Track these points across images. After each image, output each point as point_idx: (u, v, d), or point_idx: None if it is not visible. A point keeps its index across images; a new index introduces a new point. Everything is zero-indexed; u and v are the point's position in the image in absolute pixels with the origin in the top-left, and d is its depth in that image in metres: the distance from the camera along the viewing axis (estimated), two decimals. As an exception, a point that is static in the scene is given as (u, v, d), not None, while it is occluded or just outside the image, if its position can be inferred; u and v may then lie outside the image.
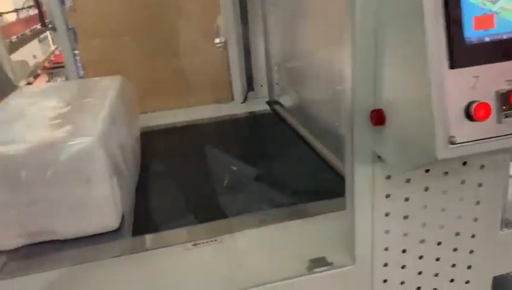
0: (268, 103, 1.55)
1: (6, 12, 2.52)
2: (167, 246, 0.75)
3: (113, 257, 0.73)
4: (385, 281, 0.68)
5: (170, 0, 1.47)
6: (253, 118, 1.49)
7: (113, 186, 0.79)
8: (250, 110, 1.53)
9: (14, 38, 2.39)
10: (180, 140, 1.35)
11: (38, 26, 3.18)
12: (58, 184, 0.75)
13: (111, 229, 0.80)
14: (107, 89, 1.10)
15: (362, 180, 0.61)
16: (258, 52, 1.55)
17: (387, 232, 0.65)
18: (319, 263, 0.66)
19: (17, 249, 0.77)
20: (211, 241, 0.75)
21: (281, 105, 1.50)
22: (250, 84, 1.60)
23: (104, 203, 0.78)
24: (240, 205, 0.88)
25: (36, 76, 2.76)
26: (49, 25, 1.86)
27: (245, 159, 1.12)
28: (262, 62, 1.55)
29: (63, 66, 3.12)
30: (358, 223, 0.64)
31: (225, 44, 1.54)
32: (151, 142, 1.32)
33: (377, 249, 0.66)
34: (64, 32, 1.40)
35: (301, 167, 1.04)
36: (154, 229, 0.81)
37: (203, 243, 0.75)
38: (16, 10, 2.70)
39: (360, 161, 0.60)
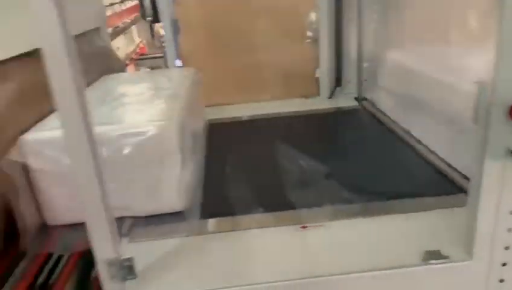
0: (357, 98, 1.55)
1: (113, 4, 2.72)
2: (277, 226, 0.79)
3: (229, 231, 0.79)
4: (501, 280, 0.67)
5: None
6: (341, 113, 1.49)
7: (184, 170, 0.84)
8: (337, 106, 1.54)
9: (110, 30, 2.58)
10: (262, 132, 1.38)
11: (128, 20, 3.41)
12: (136, 164, 0.81)
13: (178, 210, 0.85)
14: (183, 79, 1.18)
15: (491, 176, 0.60)
16: (350, 49, 1.55)
17: (510, 230, 0.64)
18: (434, 255, 0.67)
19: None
20: (319, 225, 0.78)
21: (370, 101, 1.50)
22: (337, 80, 1.61)
23: (174, 185, 0.83)
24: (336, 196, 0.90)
25: (125, 65, 2.96)
26: (147, 18, 2.00)
27: (337, 153, 1.14)
28: (353, 59, 1.54)
29: (148, 58, 3.33)
30: (480, 219, 0.63)
31: (315, 39, 1.56)
32: (233, 132, 1.38)
33: (497, 247, 0.65)
34: (169, 24, 1.49)
35: (401, 163, 1.04)
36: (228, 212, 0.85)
37: (311, 226, 0.78)
38: (112, 4, 2.91)
39: (492, 156, 0.59)
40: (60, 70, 0.52)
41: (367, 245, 0.73)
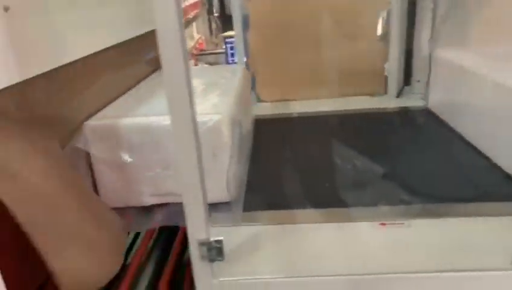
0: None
1: None
2: (354, 221, 0.80)
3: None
4: None
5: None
6: (407, 113, 1.46)
7: (232, 163, 0.86)
8: (404, 105, 1.51)
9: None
10: (322, 129, 1.37)
11: (190, 16, 3.51)
12: None
13: (225, 201, 0.88)
14: (234, 76, 1.21)
15: None
16: (421, 48, 1.50)
17: None
18: (526, 260, 0.64)
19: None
20: (399, 223, 0.77)
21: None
22: (406, 79, 1.57)
23: (223, 177, 0.86)
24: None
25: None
26: (215, 14, 2.06)
27: (401, 153, 1.12)
28: (424, 57, 1.50)
29: (207, 54, 3.42)
30: None
31: (385, 36, 1.53)
32: (293, 128, 1.39)
33: None
34: (239, 19, 1.53)
35: (469, 167, 1.01)
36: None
37: (391, 224, 0.77)
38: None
39: None
40: (172, 53, 0.55)
41: (451, 246, 0.71)
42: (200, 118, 0.83)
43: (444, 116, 1.32)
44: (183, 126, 0.58)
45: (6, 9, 0.58)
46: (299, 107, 1.56)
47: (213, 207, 0.85)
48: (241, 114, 1.07)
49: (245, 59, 1.62)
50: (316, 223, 0.80)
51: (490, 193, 0.87)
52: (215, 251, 0.65)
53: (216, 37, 4.10)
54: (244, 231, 0.78)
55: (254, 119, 1.47)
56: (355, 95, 1.61)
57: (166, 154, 0.86)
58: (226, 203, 0.88)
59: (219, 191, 0.87)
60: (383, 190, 0.90)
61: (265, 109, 1.57)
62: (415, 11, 1.48)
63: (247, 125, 1.23)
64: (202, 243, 0.64)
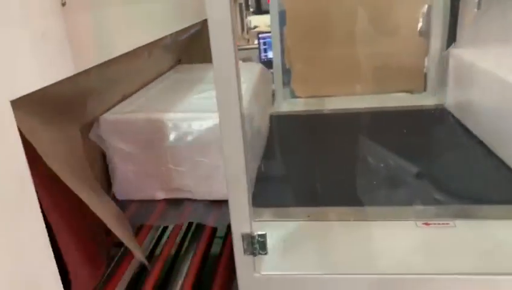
0: (468, 96, 1.46)
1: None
2: (396, 220, 0.78)
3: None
4: None
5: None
6: (446, 111, 1.42)
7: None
8: (443, 102, 1.46)
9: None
10: (356, 126, 1.35)
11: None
12: (198, 151, 0.86)
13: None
14: (250, 75, 1.20)
15: None
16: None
17: None
18: None
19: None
20: (444, 223, 0.75)
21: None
22: (446, 76, 1.52)
23: None
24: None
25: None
26: (251, 9, 2.06)
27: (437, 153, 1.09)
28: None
29: (241, 49, 3.43)
30: None
31: (427, 31, 1.49)
32: (320, 124, 1.37)
33: None
34: (276, 14, 1.52)
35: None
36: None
37: (435, 224, 0.76)
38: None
39: None
40: (223, 47, 0.56)
41: (498, 248, 0.69)
42: (205, 116, 0.86)
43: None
44: (231, 121, 0.59)
45: (63, 4, 0.60)
46: (334, 103, 1.54)
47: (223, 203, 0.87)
48: (253, 112, 1.07)
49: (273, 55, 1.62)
50: (355, 221, 0.79)
51: None
52: (258, 245, 0.66)
53: (247, 33, 4.10)
54: (284, 226, 0.78)
55: (286, 115, 1.47)
56: (393, 92, 1.58)
57: (176, 151, 0.88)
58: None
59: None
60: (419, 190, 0.88)
61: (299, 105, 1.57)
62: (458, 6, 1.43)
63: (261, 123, 1.21)
64: (246, 237, 0.65)
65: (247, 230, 0.65)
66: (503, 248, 0.69)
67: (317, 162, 1.07)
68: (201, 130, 0.87)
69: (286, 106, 1.60)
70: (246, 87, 1.09)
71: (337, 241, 0.74)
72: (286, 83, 1.66)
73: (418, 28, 1.49)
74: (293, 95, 1.67)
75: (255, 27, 4.13)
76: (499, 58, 1.07)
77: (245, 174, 0.62)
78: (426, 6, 1.48)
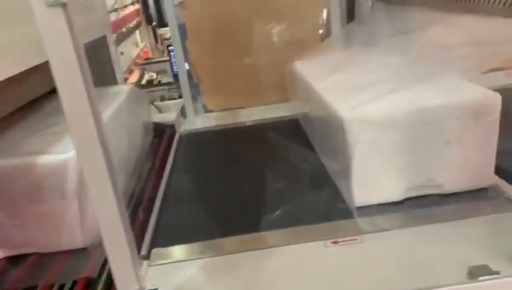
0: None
1: (117, 9, 2.69)
2: (304, 242, 0.74)
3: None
4: (557, 294, 0.62)
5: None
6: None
7: (85, 205, 0.77)
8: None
9: (114, 36, 2.54)
10: (264, 137, 1.29)
11: (131, 25, 3.37)
12: (35, 198, 0.74)
13: (80, 247, 0.79)
14: (114, 99, 1.06)
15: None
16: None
17: None
18: (482, 270, 0.61)
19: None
20: (352, 239, 0.73)
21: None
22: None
23: (74, 221, 0.76)
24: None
25: (131, 72, 2.92)
26: (154, 23, 1.96)
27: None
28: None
29: (153, 62, 3.29)
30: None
31: (328, 37, 1.51)
32: (230, 139, 1.32)
33: (551, 259, 0.60)
34: (176, 28, 1.45)
35: None
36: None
37: (344, 241, 0.73)
38: (115, 10, 2.88)
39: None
40: (71, 86, 0.47)
41: (403, 260, 0.67)
42: (40, 159, 0.72)
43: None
44: (94, 161, 0.50)
45: None
46: (246, 115, 1.49)
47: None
48: (122, 144, 0.99)
49: (187, 68, 1.55)
50: (262, 249, 0.74)
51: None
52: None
53: (162, 44, 3.97)
54: (185, 268, 0.71)
55: (196, 132, 1.39)
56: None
57: (11, 201, 0.75)
58: (83, 250, 0.78)
59: (71, 236, 0.78)
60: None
61: (212, 120, 1.50)
62: (354, 10, 1.46)
63: (135, 151, 1.12)
64: (133, 295, 0.56)
65: (134, 287, 0.56)
66: (414, 258, 0.68)
67: (221, 184, 1.01)
68: (33, 176, 0.73)
69: (199, 121, 1.52)
70: (109, 117, 0.95)
71: (245, 274, 0.68)
72: (197, 97, 1.59)
73: (320, 34, 1.50)
74: (206, 110, 1.61)
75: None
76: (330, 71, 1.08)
77: (121, 221, 0.53)
78: (325, 10, 1.50)
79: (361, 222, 0.78)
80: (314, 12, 1.49)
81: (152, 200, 0.95)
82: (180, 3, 1.44)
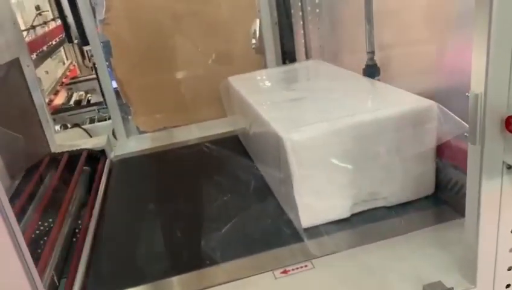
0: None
1: (34, 27, 2.47)
2: (252, 275, 0.68)
3: None
4: (507, 303, 0.61)
5: (204, 9, 1.41)
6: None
7: None
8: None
9: (33, 56, 2.34)
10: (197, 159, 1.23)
11: (53, 42, 3.14)
12: None
13: None
14: None
15: (489, 193, 0.54)
16: (300, 54, 1.48)
17: (511, 250, 0.58)
18: (436, 288, 0.59)
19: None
20: (302, 267, 0.68)
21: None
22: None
23: None
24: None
25: (56, 92, 2.71)
26: (76, 40, 1.82)
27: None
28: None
29: (80, 81, 3.10)
30: (482, 242, 0.56)
31: (261, 47, 1.47)
32: (161, 163, 1.23)
33: (500, 269, 0.59)
34: (99, 45, 1.34)
35: None
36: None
37: (294, 269, 0.68)
38: (33, 27, 2.66)
39: (488, 172, 0.53)
40: None
41: (357, 285, 0.64)
42: None
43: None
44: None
45: None
46: (180, 134, 1.41)
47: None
48: None
49: (115, 86, 1.44)
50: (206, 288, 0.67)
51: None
52: None
53: (89, 61, 3.75)
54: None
55: (127, 158, 1.28)
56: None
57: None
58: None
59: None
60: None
61: (145, 142, 1.40)
62: (288, 17, 1.44)
63: None
64: None
65: None
66: (368, 281, 0.64)
67: (158, 216, 0.93)
68: None
69: (132, 144, 1.41)
70: None
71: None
72: (128, 117, 1.48)
73: (252, 45, 1.47)
74: (140, 131, 1.51)
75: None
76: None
77: None
78: (258, 21, 1.47)
79: (310, 245, 0.73)
80: (245, 23, 1.45)
81: (80, 241, 0.84)
82: (103, 19, 1.34)
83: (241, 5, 1.44)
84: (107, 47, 1.39)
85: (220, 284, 0.67)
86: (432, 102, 0.76)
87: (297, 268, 0.68)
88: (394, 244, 0.71)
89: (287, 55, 1.49)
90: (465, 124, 0.72)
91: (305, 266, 0.68)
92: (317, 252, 0.71)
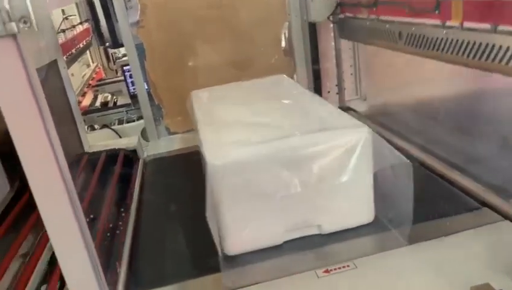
0: (339, 108, 1.48)
1: (64, 31, 2.54)
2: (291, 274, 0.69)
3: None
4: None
5: (236, 10, 1.43)
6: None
7: None
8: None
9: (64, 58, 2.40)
10: None
11: (81, 45, 3.22)
12: None
13: None
14: None
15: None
16: (328, 57, 1.48)
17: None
18: (484, 290, 0.59)
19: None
20: (345, 266, 0.69)
21: (354, 110, 1.44)
22: (317, 90, 1.53)
23: None
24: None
25: (83, 94, 2.78)
26: (107, 43, 1.86)
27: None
28: (333, 67, 1.48)
29: (107, 83, 3.16)
30: None
31: (291, 50, 1.49)
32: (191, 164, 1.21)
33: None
34: (133, 48, 1.37)
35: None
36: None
37: (336, 269, 0.68)
38: (63, 31, 2.73)
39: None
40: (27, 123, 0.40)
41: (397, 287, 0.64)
42: None
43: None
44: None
45: None
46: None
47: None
48: None
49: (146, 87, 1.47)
50: (247, 286, 0.67)
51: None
52: None
53: (114, 63, 3.82)
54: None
55: (159, 158, 1.30)
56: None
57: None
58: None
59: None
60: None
61: (176, 142, 1.43)
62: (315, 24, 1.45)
63: None
64: None
65: None
66: (407, 279, 0.64)
67: (188, 215, 0.93)
68: None
69: (163, 144, 1.44)
70: None
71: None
72: (159, 118, 1.51)
73: (282, 47, 1.48)
74: (170, 132, 1.53)
75: (124, 55, 3.87)
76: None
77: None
78: (287, 24, 1.48)
79: (228, 275, 0.69)
80: (274, 27, 1.46)
81: (120, 238, 0.86)
82: (137, 22, 1.37)
83: (272, 8, 1.45)
84: (139, 50, 1.42)
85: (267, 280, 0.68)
86: (366, 129, 0.74)
87: (339, 268, 0.68)
88: (429, 248, 0.70)
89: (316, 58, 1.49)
90: (399, 154, 0.72)
91: (347, 266, 0.69)
92: (230, 284, 0.68)
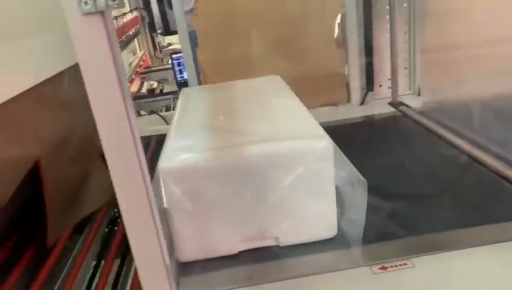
0: (392, 104, 1.44)
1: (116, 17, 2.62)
2: (347, 269, 0.68)
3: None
4: None
5: (288, 1, 1.41)
6: (378, 121, 1.38)
7: None
8: (372, 113, 1.42)
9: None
10: None
11: (130, 33, 3.31)
12: None
13: None
14: None
15: None
16: (381, 48, 1.44)
17: None
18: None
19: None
20: (401, 264, 0.66)
21: (407, 106, 1.39)
22: (368, 84, 1.50)
23: None
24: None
25: (131, 81, 2.86)
26: (159, 31, 1.90)
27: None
28: (386, 60, 1.44)
29: (153, 71, 3.23)
30: None
31: (343, 40, 1.45)
32: None
33: None
34: (186, 36, 1.39)
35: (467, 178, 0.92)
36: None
37: (393, 266, 0.66)
38: (115, 18, 2.81)
39: None
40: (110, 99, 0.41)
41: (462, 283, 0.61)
42: None
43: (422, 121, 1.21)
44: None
45: None
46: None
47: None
48: None
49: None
50: (301, 277, 0.67)
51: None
52: None
53: (161, 52, 3.90)
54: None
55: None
56: (316, 106, 1.51)
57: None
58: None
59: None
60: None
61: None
62: (371, 14, 1.41)
63: None
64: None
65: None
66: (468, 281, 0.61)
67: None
68: None
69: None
70: None
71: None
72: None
73: (335, 38, 1.45)
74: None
75: (169, 45, 3.95)
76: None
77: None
78: (340, 15, 1.44)
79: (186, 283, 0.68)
80: (328, 16, 1.44)
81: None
82: (191, 10, 1.38)
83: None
84: (192, 37, 1.43)
85: (317, 274, 0.67)
86: (328, 141, 0.69)
87: (395, 266, 0.66)
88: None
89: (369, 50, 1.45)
90: (357, 171, 0.69)
91: (404, 264, 0.66)
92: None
